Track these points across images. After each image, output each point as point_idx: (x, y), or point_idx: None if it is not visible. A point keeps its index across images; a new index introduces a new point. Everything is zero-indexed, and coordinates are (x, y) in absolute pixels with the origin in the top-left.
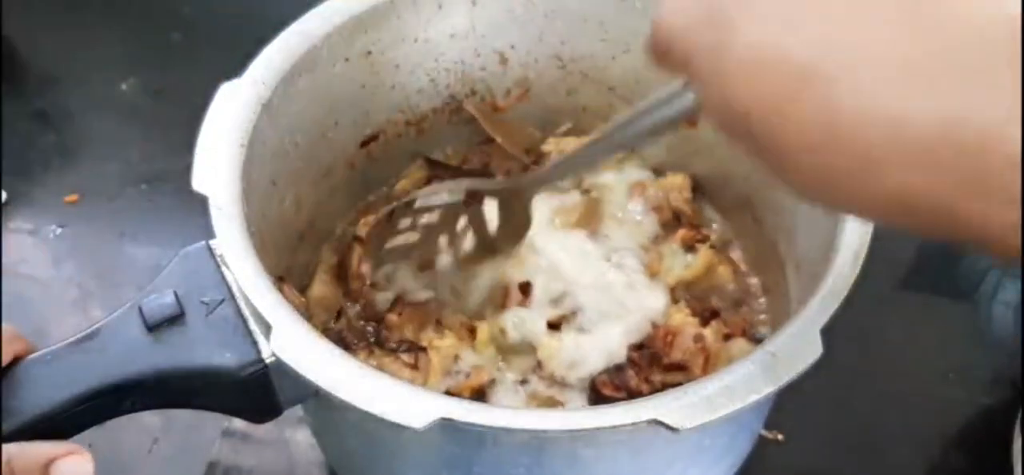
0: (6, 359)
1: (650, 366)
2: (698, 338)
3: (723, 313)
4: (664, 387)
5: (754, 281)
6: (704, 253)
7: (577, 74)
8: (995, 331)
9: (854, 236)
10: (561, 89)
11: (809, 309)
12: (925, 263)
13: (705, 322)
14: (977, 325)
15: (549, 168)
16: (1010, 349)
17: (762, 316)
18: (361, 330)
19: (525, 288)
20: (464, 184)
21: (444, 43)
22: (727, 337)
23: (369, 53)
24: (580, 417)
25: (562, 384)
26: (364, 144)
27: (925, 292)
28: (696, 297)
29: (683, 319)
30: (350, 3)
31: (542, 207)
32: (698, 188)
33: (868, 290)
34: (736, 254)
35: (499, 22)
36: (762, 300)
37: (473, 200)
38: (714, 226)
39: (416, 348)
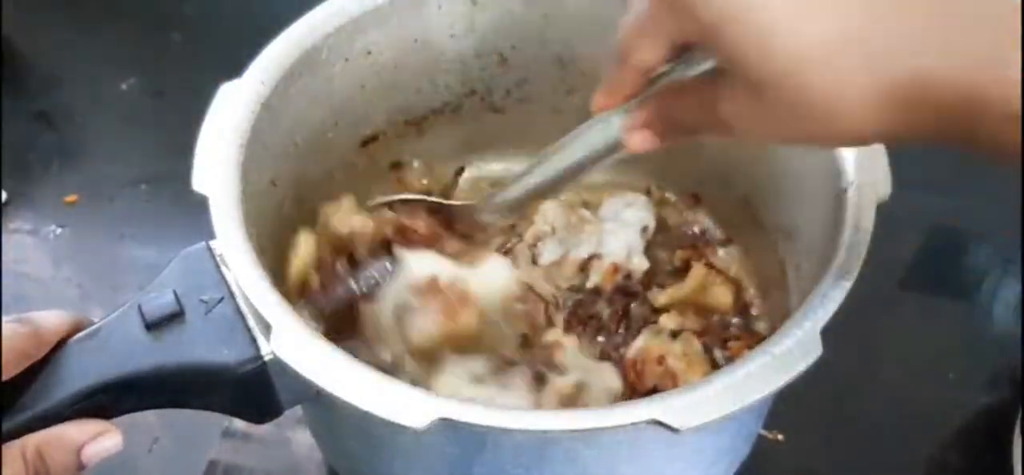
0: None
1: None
2: (660, 360)
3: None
4: None
5: (752, 291)
6: (697, 271)
7: (577, 74)
8: (995, 331)
9: (854, 236)
10: (561, 89)
11: (809, 309)
12: (925, 263)
13: (723, 343)
14: (977, 325)
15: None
16: (1010, 349)
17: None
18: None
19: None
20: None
21: (444, 43)
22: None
23: (369, 53)
24: (580, 417)
25: None
26: (364, 144)
27: (925, 292)
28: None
29: (644, 345)
30: (350, 3)
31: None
32: (696, 197)
33: (868, 290)
34: (735, 257)
35: (499, 22)
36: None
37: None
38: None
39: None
